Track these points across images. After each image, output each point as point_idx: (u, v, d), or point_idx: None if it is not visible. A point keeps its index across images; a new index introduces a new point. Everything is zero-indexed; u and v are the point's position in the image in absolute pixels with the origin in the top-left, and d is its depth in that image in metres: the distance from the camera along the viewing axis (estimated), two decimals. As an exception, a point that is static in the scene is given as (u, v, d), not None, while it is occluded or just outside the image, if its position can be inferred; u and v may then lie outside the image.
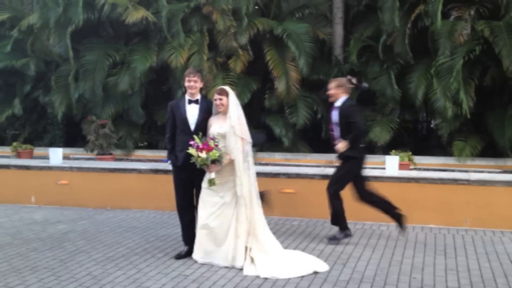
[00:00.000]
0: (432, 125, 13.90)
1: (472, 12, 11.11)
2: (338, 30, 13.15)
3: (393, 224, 7.50)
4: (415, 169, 9.34)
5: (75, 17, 12.66)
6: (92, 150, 11.84)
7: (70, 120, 14.26)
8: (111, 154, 11.74)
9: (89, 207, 8.96)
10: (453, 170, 9.35)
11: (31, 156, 12.05)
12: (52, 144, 13.94)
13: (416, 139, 13.38)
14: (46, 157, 10.01)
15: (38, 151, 12.55)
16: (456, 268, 5.63)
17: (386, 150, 11.06)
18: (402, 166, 8.58)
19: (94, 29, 13.53)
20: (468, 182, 7.54)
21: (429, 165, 10.37)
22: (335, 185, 6.57)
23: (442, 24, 10.93)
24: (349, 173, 6.59)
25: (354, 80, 6.71)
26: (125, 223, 7.90)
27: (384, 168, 8.11)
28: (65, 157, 10.31)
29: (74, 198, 9.04)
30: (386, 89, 11.77)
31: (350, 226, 6.77)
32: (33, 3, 14.04)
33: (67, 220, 7.94)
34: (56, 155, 9.51)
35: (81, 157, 11.90)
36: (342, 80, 6.66)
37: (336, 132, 6.60)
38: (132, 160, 11.71)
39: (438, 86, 11.03)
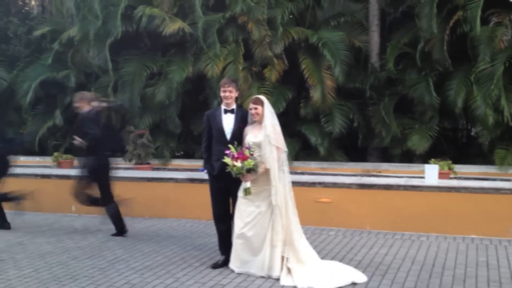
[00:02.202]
0: (472, 133, 13.60)
1: (513, 18, 10.86)
2: (375, 37, 13.03)
3: (433, 234, 7.36)
4: (455, 178, 9.14)
5: (114, 29, 12.92)
6: (130, 160, 12.02)
7: (109, 130, 14.52)
8: (148, 163, 11.88)
9: (128, 216, 9.04)
10: (494, 179, 9.11)
11: (72, 166, 12.29)
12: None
13: (456, 147, 13.11)
14: (86, 167, 10.19)
15: (78, 161, 12.79)
16: (499, 280, 5.47)
17: (425, 158, 10.86)
18: (442, 175, 8.41)
19: (132, 41, 13.78)
20: (510, 191, 7.33)
21: (469, 174, 10.14)
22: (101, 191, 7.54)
23: (481, 30, 10.71)
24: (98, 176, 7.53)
25: (101, 103, 7.82)
26: (163, 232, 7.97)
27: (423, 177, 7.95)
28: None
29: (112, 207, 9.16)
30: (424, 96, 11.58)
31: (388, 236, 6.66)
32: (73, 16, 14.41)
33: (106, 229, 8.05)
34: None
35: (119, 167, 12.07)
36: (85, 94, 7.85)
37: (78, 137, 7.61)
38: (169, 170, 11.83)
39: (478, 93, 10.79)
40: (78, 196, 7.69)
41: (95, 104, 7.63)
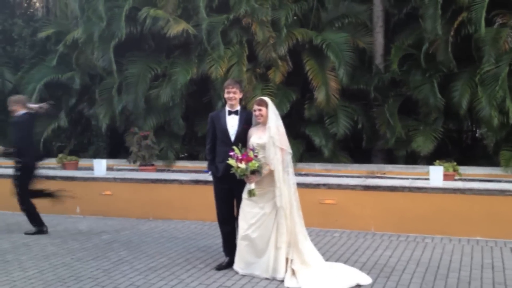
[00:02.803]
0: (477, 135, 13.57)
1: (517, 19, 10.83)
2: (379, 38, 13.02)
3: (438, 236, 7.34)
4: (460, 179, 9.12)
5: (118, 31, 12.94)
6: (134, 161, 12.03)
7: (114, 132, 14.55)
8: (153, 165, 11.90)
9: (132, 217, 9.09)
10: (499, 181, 9.08)
11: (76, 167, 12.34)
12: (96, 155, 14.26)
13: (460, 149, 13.07)
14: (90, 168, 10.23)
15: (83, 162, 12.84)
16: (504, 282, 5.44)
17: (429, 160, 10.84)
18: (446, 177, 8.38)
19: (137, 43, 13.80)
20: (515, 193, 7.30)
21: (474, 176, 10.10)
22: (19, 191, 7.81)
23: (486, 31, 10.69)
24: (24, 177, 7.82)
25: (34, 106, 8.12)
26: (167, 233, 7.97)
27: (428, 179, 7.92)
28: (109, 168, 10.50)
29: (117, 209, 9.19)
30: (429, 98, 11.55)
31: (393, 238, 6.66)
32: (77, 18, 14.45)
33: (111, 230, 8.07)
34: (100, 166, 9.70)
35: (124, 168, 12.10)
36: (19, 97, 8.16)
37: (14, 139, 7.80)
38: (173, 171, 11.84)
39: (483, 94, 10.76)
40: (22, 198, 7.86)
41: (32, 106, 7.95)
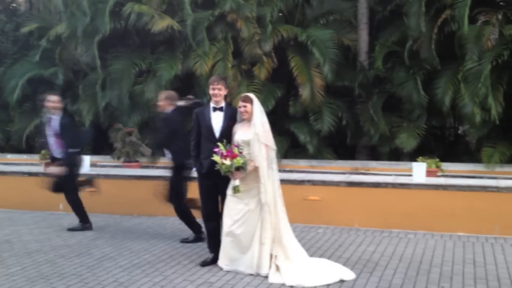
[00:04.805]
0: (460, 131, 13.72)
1: (500, 17, 10.96)
2: (363, 36, 13.09)
3: (421, 232, 7.41)
4: (442, 176, 9.20)
5: (102, 26, 12.86)
6: (118, 158, 11.96)
7: (98, 128, 14.45)
8: (137, 161, 11.84)
9: (116, 214, 9.04)
10: (481, 177, 9.18)
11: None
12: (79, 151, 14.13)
13: (443, 145, 13.22)
14: (73, 165, 10.13)
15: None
16: (485, 277, 5.51)
17: (413, 156, 10.94)
18: (429, 173, 8.46)
19: (121, 38, 13.72)
20: (497, 189, 7.38)
21: (457, 172, 10.20)
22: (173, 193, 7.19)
23: (469, 29, 10.81)
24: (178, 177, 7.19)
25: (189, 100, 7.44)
26: (151, 230, 7.95)
27: (411, 175, 8.00)
28: (92, 165, 10.43)
29: (101, 205, 9.11)
30: (412, 95, 11.67)
31: (377, 234, 6.71)
32: (61, 13, 14.32)
33: (95, 226, 8.02)
34: (84, 162, 9.60)
35: (108, 165, 12.03)
36: (171, 94, 7.40)
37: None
38: (157, 168, 11.79)
39: (465, 91, 10.89)
40: (191, 204, 7.21)
41: (180, 103, 7.26)
